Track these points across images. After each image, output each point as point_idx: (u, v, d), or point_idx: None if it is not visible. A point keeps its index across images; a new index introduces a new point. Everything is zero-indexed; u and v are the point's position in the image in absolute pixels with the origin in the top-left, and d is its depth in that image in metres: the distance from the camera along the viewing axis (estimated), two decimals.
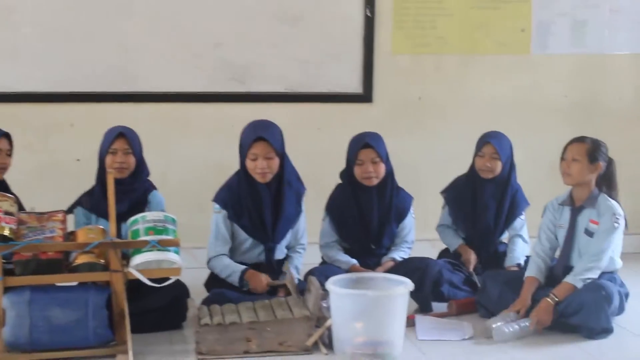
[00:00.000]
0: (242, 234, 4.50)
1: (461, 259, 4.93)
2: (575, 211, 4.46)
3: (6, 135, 4.52)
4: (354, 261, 4.71)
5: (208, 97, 5.57)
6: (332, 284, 3.95)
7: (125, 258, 3.93)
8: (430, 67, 5.82)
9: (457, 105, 5.88)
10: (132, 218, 4.01)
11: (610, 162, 4.45)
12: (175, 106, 5.53)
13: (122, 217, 4.17)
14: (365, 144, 4.68)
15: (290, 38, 5.59)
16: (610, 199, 4.40)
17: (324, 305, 4.08)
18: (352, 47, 5.68)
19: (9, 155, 4.53)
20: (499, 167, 4.91)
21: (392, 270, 4.58)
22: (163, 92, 5.50)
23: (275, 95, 5.62)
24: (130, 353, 3.83)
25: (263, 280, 4.37)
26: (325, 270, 4.59)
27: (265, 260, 4.53)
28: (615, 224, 4.35)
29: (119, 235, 4.13)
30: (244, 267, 4.44)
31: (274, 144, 4.40)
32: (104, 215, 4.22)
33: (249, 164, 4.43)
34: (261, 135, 4.39)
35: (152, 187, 4.53)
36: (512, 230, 5.00)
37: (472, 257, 4.91)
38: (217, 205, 4.51)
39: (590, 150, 4.38)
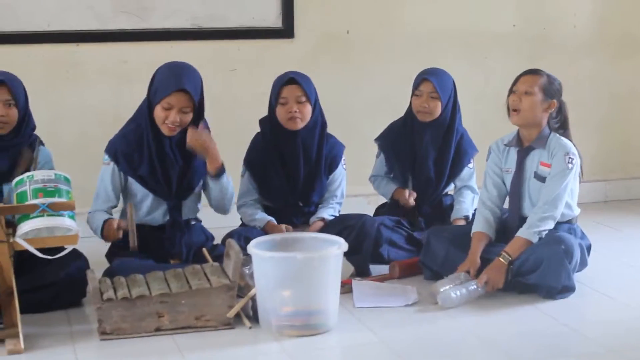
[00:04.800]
0: (140, 190, 4.47)
1: (400, 205, 4.99)
2: (523, 152, 4.52)
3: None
4: (270, 218, 4.74)
5: (98, 36, 5.49)
6: (254, 247, 3.98)
7: (11, 226, 3.87)
8: None
9: (390, 38, 5.92)
10: (18, 178, 3.94)
11: (562, 103, 4.53)
12: (60, 47, 5.45)
13: (2, 178, 4.13)
14: (289, 79, 4.68)
15: None
16: (562, 138, 4.48)
17: (246, 271, 4.10)
18: None
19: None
20: (438, 108, 4.96)
21: (323, 231, 4.62)
22: (45, 32, 5.40)
23: (180, 31, 5.57)
24: (21, 337, 3.79)
25: (117, 231, 4.32)
26: (245, 232, 4.62)
27: (170, 220, 4.51)
28: (570, 165, 4.42)
29: (0, 199, 4.06)
30: (107, 217, 4.40)
31: (194, 97, 4.36)
32: None
33: (159, 112, 4.37)
34: (185, 87, 4.32)
35: (38, 142, 4.45)
36: (460, 181, 5.08)
37: (410, 197, 4.94)
38: (106, 156, 4.46)
39: (546, 84, 4.44)
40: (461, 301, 4.23)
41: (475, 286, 4.28)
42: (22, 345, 3.76)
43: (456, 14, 5.99)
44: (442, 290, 4.25)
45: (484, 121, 5.71)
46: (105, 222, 4.36)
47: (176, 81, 4.35)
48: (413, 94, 5.00)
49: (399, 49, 5.91)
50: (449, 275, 4.38)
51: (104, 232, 4.35)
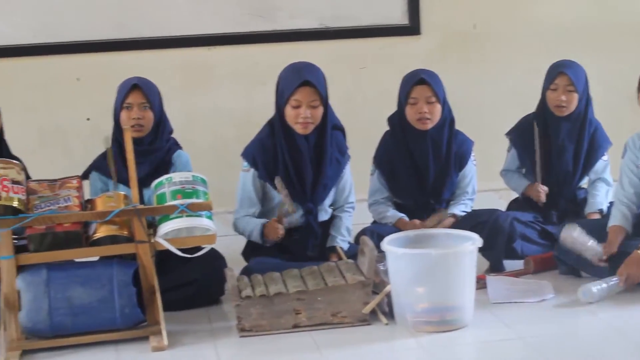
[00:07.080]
0: (277, 196, 4.54)
1: (532, 200, 4.94)
2: None
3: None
4: (401, 215, 4.75)
5: (229, 39, 5.59)
6: (388, 243, 3.99)
7: (152, 227, 3.99)
8: None
9: (518, 32, 5.86)
10: (157, 181, 4.05)
11: None
12: (192, 52, 5.57)
13: (143, 182, 4.21)
14: (419, 79, 4.68)
15: None
16: None
17: (381, 268, 4.12)
18: None
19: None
20: (575, 101, 4.88)
21: (455, 227, 4.60)
22: (177, 37, 5.53)
23: (308, 32, 5.63)
24: (164, 334, 3.89)
25: (278, 228, 4.41)
26: (378, 229, 4.64)
27: (305, 223, 4.57)
28: None
29: (141, 201, 4.17)
30: (264, 220, 4.50)
31: (320, 90, 4.43)
32: (123, 180, 4.26)
33: (290, 112, 4.44)
34: (307, 79, 4.40)
35: (176, 146, 4.56)
36: (594, 173, 5.00)
37: (542, 192, 4.89)
38: (245, 163, 4.55)
39: None
40: (602, 295, 4.17)
41: (616, 280, 4.20)
42: (166, 342, 3.86)
43: (585, 4, 5.89)
44: (582, 286, 4.18)
45: (617, 113, 5.61)
46: (264, 225, 4.46)
47: (299, 76, 4.42)
48: (548, 88, 4.92)
49: (526, 43, 5.84)
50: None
51: (266, 233, 4.45)
